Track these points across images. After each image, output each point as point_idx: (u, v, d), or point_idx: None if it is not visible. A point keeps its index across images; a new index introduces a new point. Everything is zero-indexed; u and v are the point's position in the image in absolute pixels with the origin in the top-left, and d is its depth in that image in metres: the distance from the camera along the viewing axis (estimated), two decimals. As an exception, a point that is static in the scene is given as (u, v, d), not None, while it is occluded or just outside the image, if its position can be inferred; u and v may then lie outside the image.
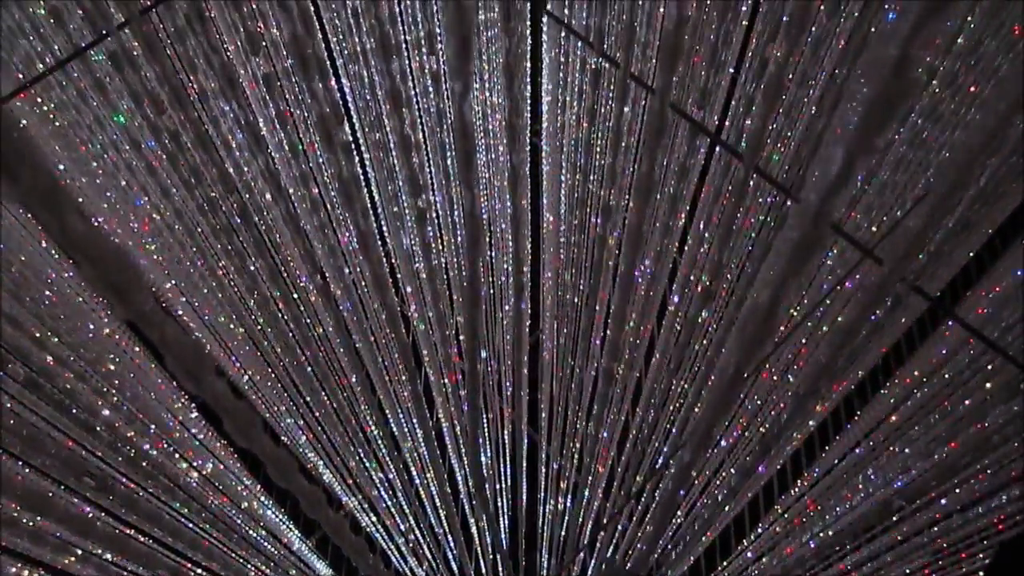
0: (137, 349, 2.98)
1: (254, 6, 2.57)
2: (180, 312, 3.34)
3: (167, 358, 1.05)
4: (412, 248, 3.23)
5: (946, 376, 2.74)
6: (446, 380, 3.44)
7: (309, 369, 3.12)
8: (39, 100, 2.63)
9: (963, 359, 2.57)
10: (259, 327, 3.10)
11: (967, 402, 2.62)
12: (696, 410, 3.15)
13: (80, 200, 2.98)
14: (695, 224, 2.88)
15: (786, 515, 3.36)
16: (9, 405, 2.33)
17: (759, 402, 3.12)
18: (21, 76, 2.58)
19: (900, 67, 0.82)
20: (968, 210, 2.38)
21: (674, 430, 3.32)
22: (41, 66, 2.55)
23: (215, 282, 2.97)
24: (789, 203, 2.70)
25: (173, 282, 3.18)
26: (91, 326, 2.80)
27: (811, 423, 3.15)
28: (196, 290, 3.12)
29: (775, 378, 3.08)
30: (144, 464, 2.68)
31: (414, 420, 3.53)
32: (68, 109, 2.63)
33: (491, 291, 3.74)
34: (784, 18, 2.44)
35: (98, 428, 2.51)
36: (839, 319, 2.84)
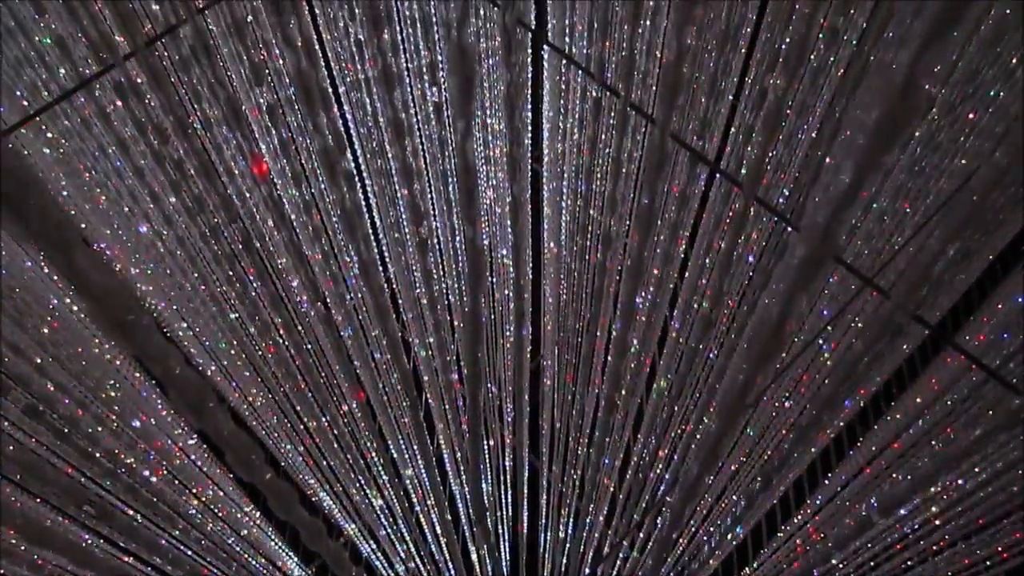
0: (138, 375, 2.98)
1: (257, 35, 2.60)
2: (180, 336, 3.35)
3: (170, 392, 1.05)
4: (413, 275, 3.24)
5: (948, 403, 2.73)
6: (447, 406, 3.43)
7: (310, 395, 3.12)
8: (43, 127, 2.65)
9: (965, 387, 2.57)
10: (259, 352, 3.10)
11: (970, 430, 2.61)
12: (698, 436, 3.14)
13: (83, 226, 3.00)
14: (695, 251, 2.89)
15: (788, 543, 3.34)
16: (9, 431, 2.33)
17: (761, 430, 3.11)
18: (26, 103, 2.60)
19: (907, 87, 0.83)
20: (969, 239, 2.39)
21: (675, 456, 3.31)
22: (46, 94, 2.57)
23: (216, 307, 2.98)
24: (789, 230, 2.71)
25: (175, 307, 3.19)
26: (95, 351, 2.80)
27: (812, 449, 3.14)
28: (198, 315, 3.13)
29: (777, 404, 3.08)
30: (144, 492, 2.67)
31: (415, 446, 3.52)
32: (72, 137, 2.65)
33: (492, 316, 3.74)
34: (782, 47, 2.46)
35: (98, 455, 2.50)
36: (838, 346, 2.85)
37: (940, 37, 0.80)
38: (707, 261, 2.82)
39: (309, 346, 3.05)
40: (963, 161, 2.66)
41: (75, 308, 2.78)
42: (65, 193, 2.83)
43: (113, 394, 2.73)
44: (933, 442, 2.75)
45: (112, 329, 0.86)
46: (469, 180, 1.19)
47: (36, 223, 0.77)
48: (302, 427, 3.36)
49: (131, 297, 0.84)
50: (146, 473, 2.73)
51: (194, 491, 3.02)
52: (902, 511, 2.77)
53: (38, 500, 2.27)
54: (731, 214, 2.72)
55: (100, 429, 2.55)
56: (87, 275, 0.82)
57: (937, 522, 2.79)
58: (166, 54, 2.50)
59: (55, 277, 2.72)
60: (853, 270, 2.50)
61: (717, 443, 1.42)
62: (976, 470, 2.65)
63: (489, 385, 3.67)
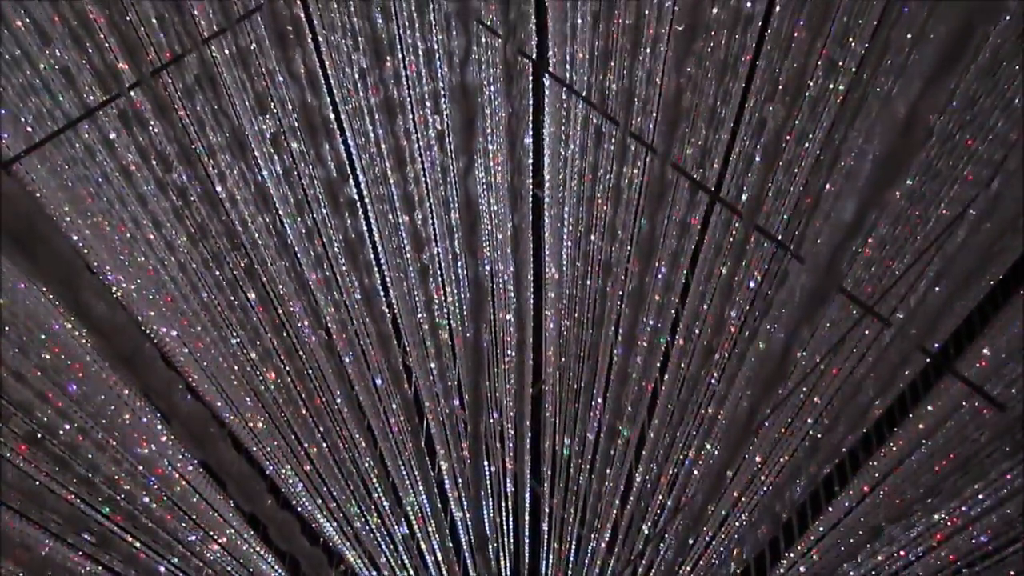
0: (140, 404, 2.98)
1: (261, 64, 2.62)
2: (183, 361, 3.35)
3: (174, 424, 1.05)
4: (415, 301, 3.25)
5: (949, 426, 2.73)
6: (448, 433, 3.42)
7: (311, 421, 3.11)
8: (47, 154, 2.66)
9: (967, 413, 2.57)
10: (260, 377, 3.10)
11: (971, 455, 2.60)
12: (700, 462, 3.13)
13: (86, 251, 3.01)
14: (696, 278, 2.90)
15: (792, 569, 3.32)
16: (9, 457, 2.33)
17: (764, 456, 3.10)
18: (31, 130, 2.62)
19: (909, 125, 0.83)
20: (970, 271, 2.39)
21: (678, 482, 3.29)
22: (51, 123, 2.59)
23: (217, 332, 2.98)
24: (790, 257, 2.71)
25: (176, 333, 3.20)
26: (96, 377, 2.80)
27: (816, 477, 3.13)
28: (199, 340, 3.13)
29: (782, 430, 3.07)
30: (144, 519, 2.66)
31: (416, 472, 3.50)
32: (76, 164, 2.67)
33: (493, 341, 3.74)
34: (780, 75, 2.48)
35: (98, 482, 2.49)
36: (840, 371, 2.85)
37: (944, 75, 0.81)
38: (708, 288, 2.83)
39: (310, 372, 3.05)
40: (959, 188, 2.68)
41: (76, 334, 2.79)
42: (68, 219, 2.85)
43: (117, 420, 2.72)
44: (936, 467, 2.75)
45: (118, 363, 0.87)
46: (471, 214, 1.20)
47: (43, 259, 0.78)
48: (303, 453, 3.35)
49: (137, 332, 0.84)
50: (146, 500, 2.72)
51: (194, 518, 3.00)
52: (903, 539, 2.75)
53: (38, 527, 2.26)
54: (731, 239, 2.73)
55: (101, 455, 2.54)
56: (93, 310, 0.82)
57: (944, 551, 2.77)
58: (170, 80, 2.53)
59: (57, 303, 2.72)
60: (854, 298, 2.50)
61: (721, 472, 1.42)
62: (980, 496, 2.64)
63: (491, 411, 3.66)
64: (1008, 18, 2.30)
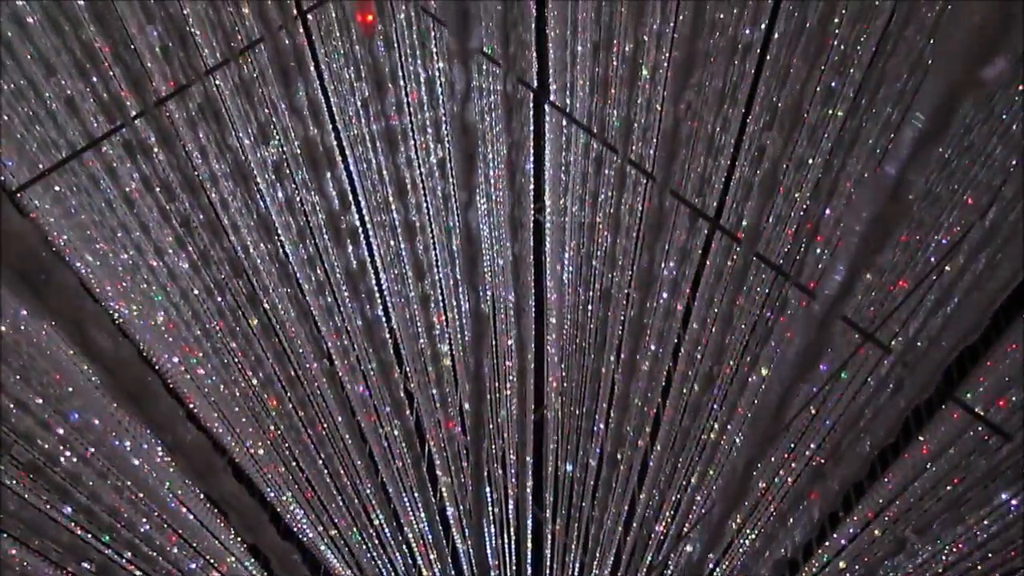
0: (141, 431, 2.97)
1: (264, 94, 2.65)
2: (185, 389, 3.35)
3: (177, 457, 1.05)
4: (417, 328, 3.25)
5: (952, 453, 2.72)
6: (449, 459, 3.41)
7: (313, 448, 3.10)
8: (51, 182, 2.68)
9: (971, 442, 2.56)
10: (261, 402, 3.10)
11: (975, 483, 2.59)
12: (702, 491, 3.12)
13: (91, 278, 3.02)
14: (697, 305, 2.90)
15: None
16: (10, 486, 2.32)
17: (773, 479, 3.09)
18: (35, 159, 2.64)
19: (898, 193, 0.84)
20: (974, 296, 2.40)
21: (680, 509, 3.28)
22: (55, 152, 2.61)
23: (219, 359, 2.98)
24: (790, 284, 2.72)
25: (176, 359, 3.20)
26: (99, 402, 2.79)
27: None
28: (200, 368, 3.13)
29: (784, 455, 3.06)
30: (144, 547, 2.64)
31: (417, 499, 3.49)
32: (80, 192, 2.68)
33: (495, 366, 3.74)
34: (779, 102, 2.50)
35: (98, 510, 2.48)
36: (842, 396, 2.84)
37: (932, 142, 0.81)
38: (709, 313, 2.83)
39: (311, 398, 3.05)
40: (959, 213, 2.69)
41: (77, 361, 2.79)
42: (72, 247, 2.86)
43: (118, 448, 2.72)
44: (940, 495, 2.73)
45: (123, 398, 0.87)
46: (472, 248, 1.21)
47: (47, 296, 0.78)
48: (304, 479, 3.33)
49: (142, 367, 0.85)
50: (147, 528, 2.71)
51: (195, 546, 2.99)
52: (909, 566, 2.74)
53: (38, 555, 2.25)
54: (732, 265, 2.73)
55: (103, 483, 2.53)
56: (98, 345, 0.83)
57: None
58: (174, 110, 2.55)
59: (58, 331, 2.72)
60: (853, 324, 2.50)
61: (722, 522, 1.41)
62: (985, 522, 2.62)
63: (493, 439, 3.65)
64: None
